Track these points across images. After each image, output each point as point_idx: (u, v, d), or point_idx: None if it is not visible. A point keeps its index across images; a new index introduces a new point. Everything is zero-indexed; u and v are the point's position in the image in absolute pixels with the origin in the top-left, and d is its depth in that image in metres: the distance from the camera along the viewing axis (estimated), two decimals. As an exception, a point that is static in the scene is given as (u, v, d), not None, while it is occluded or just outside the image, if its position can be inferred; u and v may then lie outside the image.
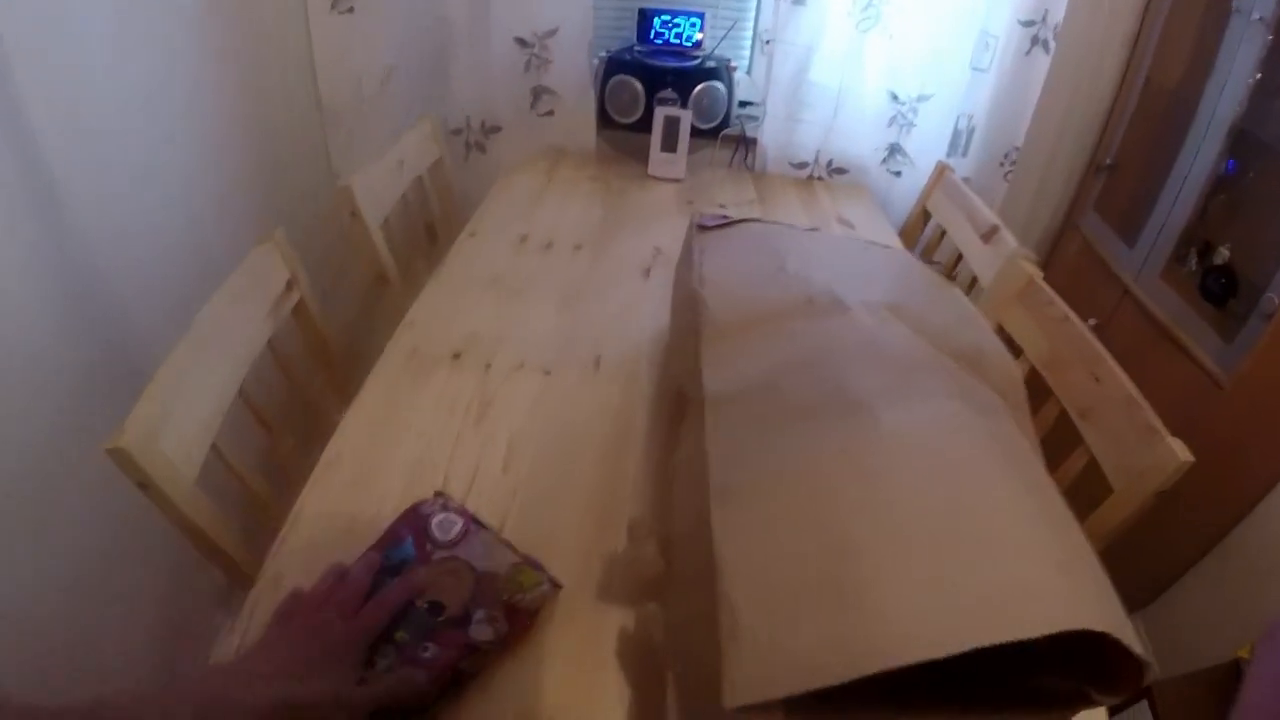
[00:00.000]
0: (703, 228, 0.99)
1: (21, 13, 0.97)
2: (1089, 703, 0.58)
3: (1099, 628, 0.49)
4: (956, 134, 1.88)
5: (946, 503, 0.57)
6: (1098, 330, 1.61)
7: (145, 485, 0.76)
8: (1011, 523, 0.57)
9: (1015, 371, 0.89)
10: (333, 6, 1.71)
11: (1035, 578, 0.53)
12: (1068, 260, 1.96)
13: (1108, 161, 1.85)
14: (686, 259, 0.94)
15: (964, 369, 0.80)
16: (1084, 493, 0.97)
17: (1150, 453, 0.90)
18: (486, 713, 0.64)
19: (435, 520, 0.73)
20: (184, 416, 0.84)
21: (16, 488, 1.00)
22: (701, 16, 1.84)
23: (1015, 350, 1.19)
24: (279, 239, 1.11)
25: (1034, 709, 0.59)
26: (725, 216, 1.03)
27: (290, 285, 1.13)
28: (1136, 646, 0.50)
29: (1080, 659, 0.58)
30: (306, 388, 1.18)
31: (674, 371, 0.97)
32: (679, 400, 0.88)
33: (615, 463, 0.91)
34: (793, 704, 0.48)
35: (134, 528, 1.13)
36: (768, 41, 1.81)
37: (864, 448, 0.61)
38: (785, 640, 0.49)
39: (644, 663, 0.66)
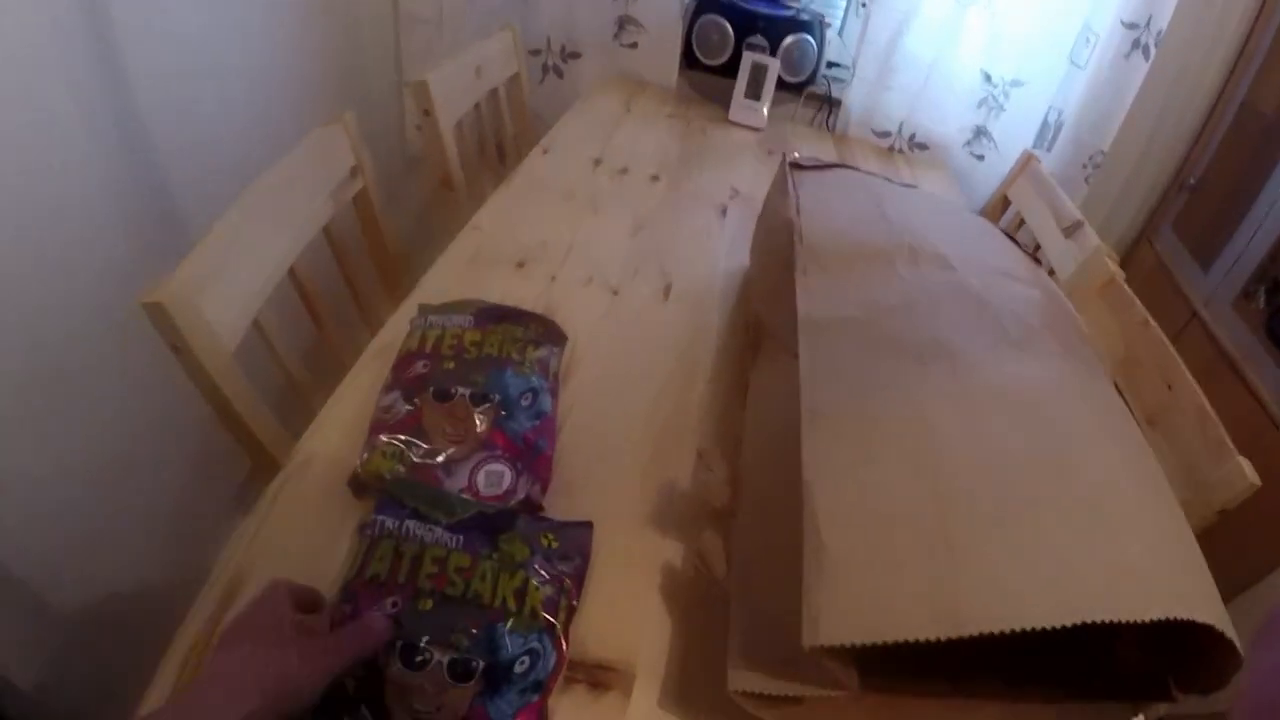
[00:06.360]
0: (797, 166, 0.95)
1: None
2: (1165, 697, 0.55)
3: (1207, 620, 0.46)
4: (1045, 127, 1.81)
5: (1056, 466, 0.54)
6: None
7: (179, 349, 0.69)
8: (1121, 495, 0.54)
9: (1104, 353, 0.85)
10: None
11: (1145, 558, 0.50)
12: (1138, 274, 1.90)
13: (1191, 180, 1.78)
14: (780, 191, 0.90)
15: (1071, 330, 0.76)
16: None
17: (1219, 468, 0.87)
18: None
19: None
20: (230, 284, 0.79)
21: (55, 355, 0.99)
22: (801, -35, 1.77)
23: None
24: (348, 122, 1.06)
25: (1096, 695, 0.56)
26: (819, 160, 0.98)
27: (354, 172, 1.09)
28: (1235, 640, 0.48)
29: (1161, 648, 0.55)
30: (357, 280, 1.15)
31: (753, 301, 0.94)
32: (755, 331, 0.85)
33: (679, 392, 0.87)
34: (863, 653, 0.45)
35: (159, 423, 1.13)
36: (864, 4, 1.74)
37: (969, 395, 0.58)
38: (881, 587, 0.46)
39: (701, 596, 0.63)
